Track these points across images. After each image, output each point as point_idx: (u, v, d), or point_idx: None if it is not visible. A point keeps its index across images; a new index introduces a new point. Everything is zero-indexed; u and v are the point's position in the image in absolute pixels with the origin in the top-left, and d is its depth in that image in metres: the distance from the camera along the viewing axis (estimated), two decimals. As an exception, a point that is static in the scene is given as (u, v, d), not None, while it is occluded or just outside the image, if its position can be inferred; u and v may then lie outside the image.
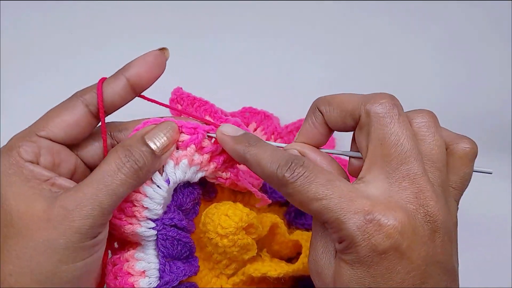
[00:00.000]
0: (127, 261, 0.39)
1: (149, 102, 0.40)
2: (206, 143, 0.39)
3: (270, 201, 0.45)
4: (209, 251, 0.43)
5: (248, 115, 0.55)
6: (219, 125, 0.39)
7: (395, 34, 0.65)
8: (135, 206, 0.38)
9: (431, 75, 0.65)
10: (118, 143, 0.39)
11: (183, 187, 0.40)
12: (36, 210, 0.33)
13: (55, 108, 0.38)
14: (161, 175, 0.38)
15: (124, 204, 0.38)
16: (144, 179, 0.36)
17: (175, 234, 0.39)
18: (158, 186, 0.38)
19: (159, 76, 0.38)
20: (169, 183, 0.38)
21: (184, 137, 0.38)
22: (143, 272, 0.39)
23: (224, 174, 0.41)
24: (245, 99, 0.60)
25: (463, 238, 0.54)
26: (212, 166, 0.40)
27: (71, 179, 0.37)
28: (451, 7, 0.64)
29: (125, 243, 0.41)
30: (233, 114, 0.55)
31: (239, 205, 0.40)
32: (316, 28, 0.65)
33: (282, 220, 0.44)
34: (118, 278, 0.39)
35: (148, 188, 0.37)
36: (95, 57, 0.64)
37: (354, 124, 0.37)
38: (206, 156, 0.39)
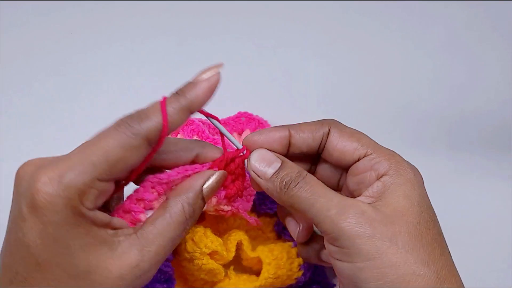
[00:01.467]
0: None
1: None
2: None
3: (261, 223, 0.45)
4: (185, 273, 0.43)
5: (243, 121, 0.55)
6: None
7: (395, 34, 0.65)
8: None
9: (431, 75, 0.65)
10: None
11: None
12: (107, 265, 0.32)
13: (115, 145, 0.32)
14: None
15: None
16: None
17: None
18: None
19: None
20: None
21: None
22: None
23: (226, 207, 0.41)
24: (241, 102, 0.60)
25: (463, 238, 0.54)
26: (214, 200, 0.40)
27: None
28: (451, 7, 0.64)
29: None
30: (227, 120, 0.55)
31: (208, 231, 0.41)
32: (314, 29, 0.65)
33: (247, 237, 0.44)
34: None
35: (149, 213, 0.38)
36: (95, 57, 0.64)
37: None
38: None
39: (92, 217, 0.32)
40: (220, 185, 0.38)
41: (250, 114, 0.56)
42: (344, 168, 0.42)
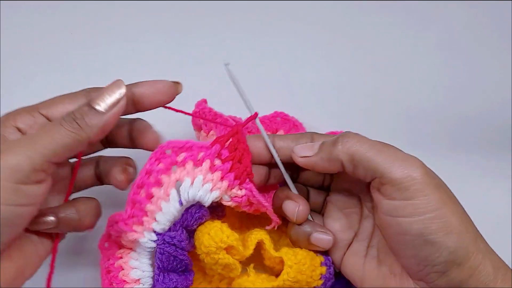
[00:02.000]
0: (122, 269, 0.42)
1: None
2: (217, 162, 0.41)
3: (280, 222, 0.45)
4: (204, 266, 0.44)
5: (278, 120, 0.56)
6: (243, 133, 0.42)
7: (395, 34, 0.65)
8: (147, 216, 0.40)
9: (431, 75, 0.65)
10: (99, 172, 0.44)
11: (194, 208, 0.42)
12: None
13: (61, 96, 0.41)
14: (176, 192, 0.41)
15: (137, 212, 0.40)
16: (90, 133, 0.38)
17: (172, 251, 0.41)
18: (173, 204, 0.41)
19: (165, 104, 0.41)
20: (181, 204, 0.41)
21: (200, 154, 0.41)
22: (138, 280, 0.42)
23: (239, 192, 0.42)
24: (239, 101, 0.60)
25: (463, 238, 0.54)
26: (224, 184, 0.41)
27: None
28: (451, 7, 0.64)
29: (116, 244, 0.42)
30: (262, 118, 0.55)
31: (224, 227, 0.42)
32: (314, 30, 0.65)
33: (269, 237, 0.44)
34: (114, 284, 0.41)
35: (164, 204, 0.40)
36: (95, 57, 0.64)
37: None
38: (218, 174, 0.41)
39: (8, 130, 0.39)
40: (123, 100, 0.39)
41: (286, 115, 0.56)
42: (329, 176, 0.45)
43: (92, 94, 0.40)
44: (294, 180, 0.45)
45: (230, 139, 0.41)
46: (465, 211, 0.39)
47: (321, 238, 0.43)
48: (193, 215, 0.41)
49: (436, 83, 0.65)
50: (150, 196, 0.41)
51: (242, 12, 0.64)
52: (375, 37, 0.65)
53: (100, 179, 0.45)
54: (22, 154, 0.35)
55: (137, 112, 0.41)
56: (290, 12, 0.65)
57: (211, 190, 0.41)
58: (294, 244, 0.46)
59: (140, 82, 0.41)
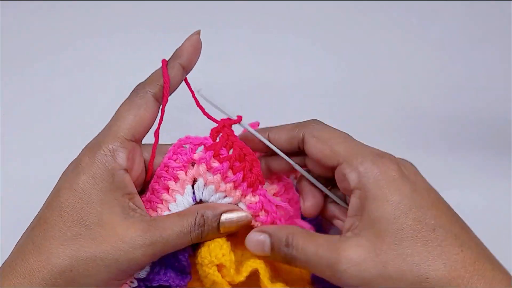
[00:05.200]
0: None
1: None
2: (229, 173, 0.42)
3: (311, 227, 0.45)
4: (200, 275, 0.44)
5: None
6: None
7: (395, 34, 0.65)
8: (162, 204, 0.43)
9: (431, 75, 0.65)
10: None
11: None
12: (116, 226, 0.37)
13: (130, 107, 0.40)
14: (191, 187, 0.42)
15: (154, 198, 0.43)
16: (198, 241, 0.40)
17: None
18: (186, 199, 0.42)
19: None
20: (194, 200, 0.42)
21: (215, 164, 0.42)
22: None
23: (253, 198, 0.43)
24: (248, 101, 0.60)
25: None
26: (238, 193, 0.43)
27: (134, 181, 0.40)
28: (451, 7, 0.64)
29: None
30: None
31: (225, 244, 0.42)
32: (315, 29, 0.65)
33: (263, 266, 0.44)
34: None
35: (178, 196, 0.42)
36: (95, 57, 0.64)
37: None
38: (230, 185, 0.42)
39: (120, 177, 0.38)
40: (241, 225, 0.41)
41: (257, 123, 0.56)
42: (330, 171, 0.41)
43: (155, 90, 0.40)
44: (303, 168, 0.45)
45: (222, 137, 0.43)
46: (424, 264, 0.35)
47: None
48: None
49: (436, 83, 0.65)
50: (166, 188, 0.43)
51: (242, 12, 0.64)
52: (375, 37, 0.65)
53: None
54: (148, 255, 0.37)
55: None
56: (290, 12, 0.65)
57: (224, 197, 0.43)
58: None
59: (180, 50, 0.42)
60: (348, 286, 0.37)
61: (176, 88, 0.42)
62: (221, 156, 0.42)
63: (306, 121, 0.42)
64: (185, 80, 0.43)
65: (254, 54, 0.65)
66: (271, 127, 0.44)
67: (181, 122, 0.57)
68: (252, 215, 0.43)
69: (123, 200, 0.38)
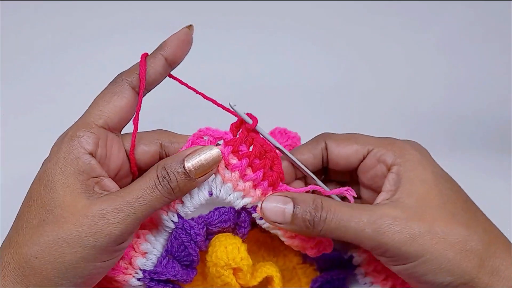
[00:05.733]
0: (138, 237, 0.41)
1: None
2: (248, 171, 0.40)
3: (331, 245, 0.44)
4: (208, 271, 0.43)
5: (278, 136, 0.54)
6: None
7: (395, 34, 0.65)
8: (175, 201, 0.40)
9: (431, 75, 0.65)
10: (165, 152, 0.42)
11: (223, 209, 0.41)
12: (78, 205, 0.35)
13: (104, 95, 0.39)
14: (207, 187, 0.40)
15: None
16: (178, 196, 0.38)
17: (186, 240, 0.41)
18: (202, 192, 0.40)
19: (188, 52, 0.41)
20: (211, 194, 0.40)
21: (233, 160, 0.40)
22: (145, 253, 0.41)
23: None
24: (245, 99, 0.60)
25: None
26: (258, 192, 0.41)
27: (116, 173, 0.40)
28: (451, 7, 0.64)
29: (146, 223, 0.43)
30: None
31: (243, 247, 0.41)
32: (315, 29, 0.65)
33: (278, 275, 0.44)
34: None
35: (194, 189, 0.40)
36: (95, 57, 0.64)
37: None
38: (249, 184, 0.40)
39: (85, 160, 0.37)
40: (214, 164, 0.38)
41: (285, 130, 0.54)
42: (353, 170, 0.43)
43: (132, 79, 0.39)
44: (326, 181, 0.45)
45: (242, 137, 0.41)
46: (468, 235, 0.37)
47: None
48: (220, 215, 0.41)
49: (436, 83, 0.65)
50: None
51: (242, 12, 0.64)
52: (375, 38, 0.65)
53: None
54: (116, 222, 0.35)
55: (170, 71, 0.41)
56: (290, 12, 0.65)
57: (243, 196, 0.41)
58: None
59: (166, 42, 0.41)
60: (390, 244, 0.36)
61: (160, 81, 0.41)
62: (240, 153, 0.40)
63: (318, 135, 0.44)
64: (172, 76, 0.41)
65: (254, 54, 0.65)
66: (292, 151, 0.43)
67: (174, 123, 0.57)
68: None
69: (87, 183, 0.36)
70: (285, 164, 0.43)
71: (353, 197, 0.42)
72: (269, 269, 0.43)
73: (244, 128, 0.41)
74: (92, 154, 0.37)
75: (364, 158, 0.42)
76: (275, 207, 0.39)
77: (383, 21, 0.65)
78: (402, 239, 0.36)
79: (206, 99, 0.42)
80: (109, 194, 0.36)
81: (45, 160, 0.38)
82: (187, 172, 0.37)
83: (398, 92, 0.65)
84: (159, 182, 0.37)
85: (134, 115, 0.40)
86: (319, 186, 0.43)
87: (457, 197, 0.39)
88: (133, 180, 0.42)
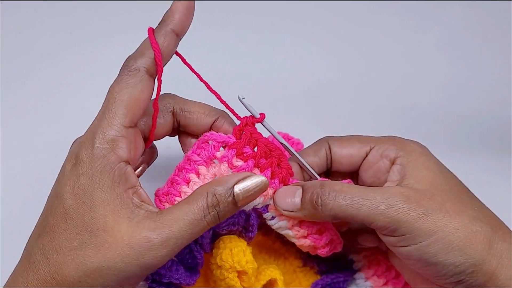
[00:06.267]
0: None
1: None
2: (256, 171, 0.40)
3: (341, 243, 0.45)
4: (210, 273, 0.43)
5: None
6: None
7: (395, 34, 0.65)
8: (180, 197, 0.40)
9: (431, 75, 0.65)
10: (176, 121, 0.41)
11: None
12: (122, 229, 0.34)
13: (123, 88, 0.36)
14: None
15: (172, 190, 0.41)
16: (219, 222, 0.37)
17: (191, 243, 0.40)
18: None
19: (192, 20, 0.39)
20: None
21: (238, 163, 0.40)
22: None
23: None
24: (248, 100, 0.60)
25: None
26: (270, 191, 0.41)
27: (134, 162, 0.39)
28: (451, 7, 0.64)
29: None
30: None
31: (248, 251, 0.41)
32: (314, 29, 0.65)
33: (282, 278, 0.44)
34: None
35: None
36: (95, 57, 0.64)
37: None
38: None
39: (122, 170, 0.35)
40: (259, 192, 0.38)
41: (287, 135, 0.55)
42: (355, 169, 0.44)
43: (147, 65, 0.37)
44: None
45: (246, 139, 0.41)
46: (477, 216, 0.38)
47: (367, 237, 0.44)
48: (229, 219, 0.40)
49: (435, 83, 0.65)
50: (187, 180, 0.40)
51: (242, 12, 0.64)
52: (374, 38, 0.65)
53: (175, 127, 0.43)
54: (163, 255, 0.34)
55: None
56: (290, 12, 0.65)
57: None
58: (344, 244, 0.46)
59: (170, 14, 0.38)
60: (404, 220, 0.36)
61: (170, 58, 0.38)
62: (245, 155, 0.40)
63: (320, 138, 0.45)
64: (177, 53, 0.40)
65: (254, 53, 0.65)
66: (298, 153, 0.44)
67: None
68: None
69: (126, 196, 0.35)
70: (291, 164, 0.43)
71: None
72: (272, 272, 0.43)
73: (250, 123, 0.41)
74: (128, 162, 0.36)
75: (366, 156, 0.43)
76: (286, 195, 0.40)
77: (383, 21, 0.65)
78: (416, 216, 0.36)
79: (211, 91, 0.42)
80: (152, 217, 0.35)
81: (71, 166, 0.36)
82: (236, 201, 0.36)
83: (398, 92, 0.65)
84: (209, 212, 0.35)
85: (154, 98, 0.39)
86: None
87: (461, 185, 0.41)
88: (145, 146, 0.41)
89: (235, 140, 0.41)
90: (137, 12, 0.64)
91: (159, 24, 0.38)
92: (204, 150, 0.41)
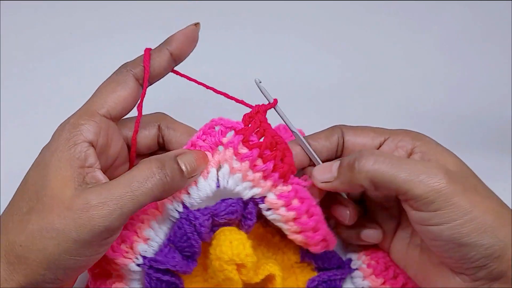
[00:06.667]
0: (142, 223, 0.41)
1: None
2: (259, 162, 0.40)
3: (334, 242, 0.44)
4: (208, 263, 0.43)
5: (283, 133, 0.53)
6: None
7: (396, 35, 0.65)
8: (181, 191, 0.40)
9: (431, 75, 0.65)
10: (161, 135, 0.42)
11: (231, 200, 0.41)
12: (65, 195, 0.34)
13: (107, 84, 0.39)
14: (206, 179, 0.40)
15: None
16: (168, 194, 0.37)
17: (189, 231, 0.40)
18: (209, 183, 0.39)
19: (193, 49, 0.41)
20: (218, 186, 0.39)
21: (243, 150, 0.39)
22: (148, 239, 0.40)
23: (285, 187, 0.41)
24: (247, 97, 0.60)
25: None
26: (268, 183, 0.40)
27: (113, 162, 0.40)
28: (451, 7, 0.64)
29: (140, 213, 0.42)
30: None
31: (248, 243, 0.40)
32: (315, 29, 0.65)
33: (281, 274, 0.43)
34: (126, 228, 0.40)
35: (201, 180, 0.39)
36: (95, 57, 0.64)
37: None
38: (259, 174, 0.40)
39: (82, 148, 0.36)
40: (202, 162, 0.39)
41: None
42: None
43: (136, 70, 0.39)
44: None
45: (254, 126, 0.40)
46: (502, 203, 0.38)
47: (371, 233, 0.44)
48: (228, 207, 0.40)
49: (436, 83, 0.65)
50: None
51: (242, 12, 0.64)
52: (375, 38, 0.65)
53: (160, 145, 0.44)
54: (100, 217, 0.34)
55: (174, 66, 0.41)
56: (291, 12, 0.65)
57: (252, 187, 0.40)
58: (346, 241, 0.46)
59: (172, 37, 0.41)
60: (443, 192, 0.36)
61: (163, 75, 0.41)
62: (250, 143, 0.39)
63: (333, 125, 0.44)
64: (176, 71, 0.41)
65: (254, 53, 0.65)
66: (308, 136, 0.43)
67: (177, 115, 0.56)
68: (284, 204, 0.40)
69: (80, 172, 0.35)
70: (298, 150, 0.43)
71: (360, 207, 0.43)
72: (272, 267, 0.43)
73: (262, 110, 0.41)
74: (92, 144, 0.37)
75: (380, 146, 0.42)
76: (324, 168, 0.41)
77: (383, 21, 0.65)
78: (455, 190, 0.36)
79: (217, 93, 0.41)
80: (96, 186, 0.35)
81: (44, 146, 0.38)
82: (180, 168, 0.37)
83: (398, 92, 0.65)
84: (153, 174, 0.35)
85: (138, 102, 0.40)
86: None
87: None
88: (130, 166, 0.42)
89: (243, 126, 0.40)
90: (137, 12, 0.64)
91: (160, 43, 0.41)
92: (210, 135, 0.40)
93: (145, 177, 0.35)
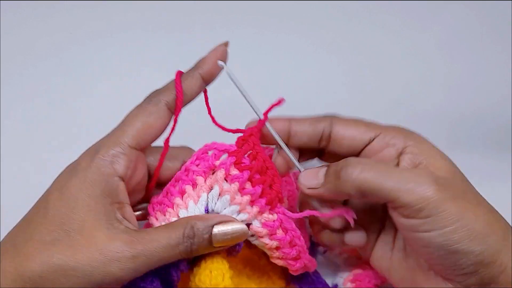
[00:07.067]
0: None
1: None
2: (247, 185, 0.40)
3: (314, 266, 0.44)
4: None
5: None
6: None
7: (396, 35, 0.65)
8: (172, 208, 0.40)
9: (431, 75, 0.65)
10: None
11: None
12: (97, 236, 0.34)
13: (138, 113, 0.38)
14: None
15: (165, 201, 0.40)
16: (190, 257, 0.38)
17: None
18: (198, 208, 0.40)
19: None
20: (207, 210, 0.40)
21: (234, 171, 0.39)
22: None
23: (271, 216, 0.41)
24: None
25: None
26: (255, 209, 0.40)
27: (133, 188, 0.39)
28: (451, 7, 0.64)
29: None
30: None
31: (227, 274, 0.40)
32: (315, 29, 0.65)
33: None
34: None
35: (191, 204, 0.39)
36: (95, 57, 0.64)
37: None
38: (246, 198, 0.40)
39: (113, 184, 0.36)
40: (237, 240, 0.38)
41: None
42: (355, 154, 0.42)
43: (169, 100, 0.39)
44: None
45: (248, 150, 0.40)
46: (492, 209, 0.38)
47: (355, 236, 0.43)
48: None
49: (436, 83, 0.65)
50: (182, 192, 0.40)
51: (242, 12, 0.64)
52: (375, 38, 0.65)
53: None
54: (130, 270, 0.34)
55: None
56: (291, 12, 0.65)
57: (239, 211, 0.40)
58: (330, 247, 0.46)
59: (203, 60, 0.40)
60: (433, 199, 0.35)
61: (194, 98, 0.40)
62: (242, 165, 0.40)
63: (328, 114, 0.43)
64: (205, 92, 0.41)
65: (254, 53, 0.65)
66: (293, 118, 0.43)
67: (191, 129, 0.56)
68: (268, 234, 0.40)
69: (110, 208, 0.36)
70: (280, 161, 0.42)
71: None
72: None
73: (251, 141, 0.41)
74: (122, 178, 0.37)
75: (370, 142, 0.41)
76: (310, 173, 0.40)
77: (383, 21, 0.65)
78: (444, 197, 0.35)
79: (216, 125, 0.42)
80: (130, 232, 0.35)
81: (69, 170, 0.37)
82: (212, 240, 0.37)
83: (397, 92, 0.65)
84: (183, 242, 0.36)
85: (167, 136, 0.40)
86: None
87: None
88: (146, 195, 0.42)
89: (236, 148, 0.40)
90: (137, 12, 0.64)
91: (192, 66, 0.40)
92: (204, 160, 0.40)
93: (176, 243, 0.36)
